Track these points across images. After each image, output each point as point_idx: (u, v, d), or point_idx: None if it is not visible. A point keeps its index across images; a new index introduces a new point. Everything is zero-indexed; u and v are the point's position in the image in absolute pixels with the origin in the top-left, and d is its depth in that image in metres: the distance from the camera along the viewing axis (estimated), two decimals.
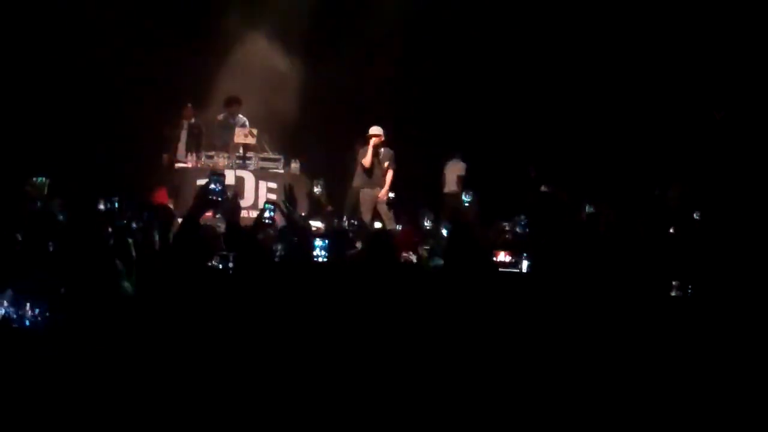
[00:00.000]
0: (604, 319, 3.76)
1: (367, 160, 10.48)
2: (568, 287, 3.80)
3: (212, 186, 4.11)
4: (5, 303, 2.35)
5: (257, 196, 10.26)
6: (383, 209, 10.32)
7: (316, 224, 8.14)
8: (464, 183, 11.51)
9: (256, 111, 10.91)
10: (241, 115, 10.76)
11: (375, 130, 10.53)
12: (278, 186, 10.40)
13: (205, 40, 11.68)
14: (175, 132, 10.71)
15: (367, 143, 10.45)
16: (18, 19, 11.12)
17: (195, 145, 10.60)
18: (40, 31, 11.13)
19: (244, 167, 10.39)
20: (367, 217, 9.96)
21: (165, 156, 10.67)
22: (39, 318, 2.46)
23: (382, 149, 10.52)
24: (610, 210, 6.53)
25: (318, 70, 11.89)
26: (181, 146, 10.65)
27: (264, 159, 10.53)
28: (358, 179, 10.55)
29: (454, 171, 12.20)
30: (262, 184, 10.33)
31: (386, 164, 10.58)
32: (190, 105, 10.81)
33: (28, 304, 2.35)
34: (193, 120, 10.79)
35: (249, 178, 10.35)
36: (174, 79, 11.53)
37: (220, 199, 4.09)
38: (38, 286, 2.57)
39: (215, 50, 11.66)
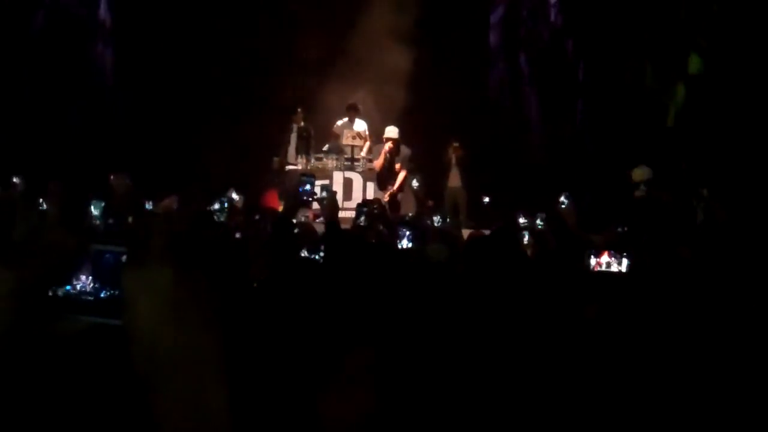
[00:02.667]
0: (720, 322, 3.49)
1: (378, 163, 10.23)
2: (674, 287, 3.56)
3: (304, 187, 4.15)
4: (83, 278, 2.43)
5: (365, 197, 10.32)
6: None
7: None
8: (651, 187, 10.91)
9: (366, 110, 11.04)
10: (359, 120, 10.88)
11: (389, 132, 10.24)
12: None
13: (315, 43, 11.93)
14: (285, 136, 10.94)
15: (383, 147, 10.20)
16: (131, 24, 11.67)
17: (305, 148, 10.79)
18: (154, 38, 11.64)
19: (352, 169, 10.50)
20: None
21: (276, 159, 10.91)
22: (114, 292, 2.54)
23: (398, 149, 10.15)
24: (721, 208, 6.09)
25: (428, 65, 11.90)
26: (291, 149, 10.86)
27: (371, 160, 10.59)
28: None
29: (641, 176, 11.61)
30: (370, 185, 10.41)
31: (398, 165, 10.18)
32: (300, 109, 11.00)
33: (98, 278, 2.43)
34: (302, 123, 10.97)
35: (357, 180, 10.45)
36: (285, 83, 11.84)
37: (310, 199, 4.13)
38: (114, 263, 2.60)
39: (324, 51, 11.91)
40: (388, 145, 10.14)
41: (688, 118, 11.04)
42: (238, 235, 4.91)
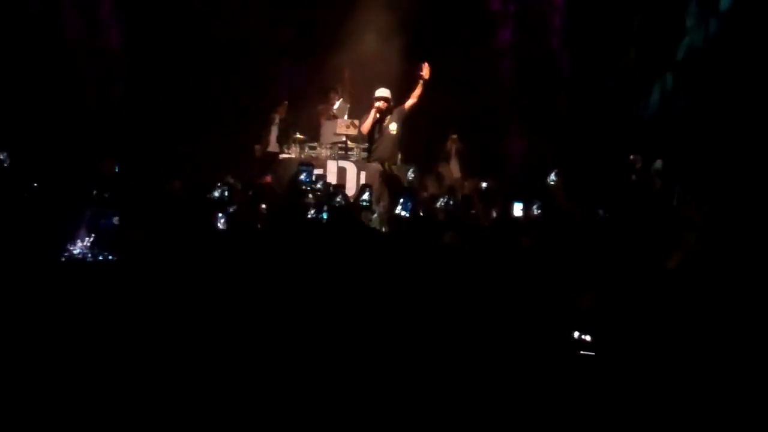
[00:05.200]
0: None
1: (366, 126, 9.38)
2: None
3: (302, 176, 4.20)
4: (80, 242, 2.55)
5: (359, 186, 10.35)
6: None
7: None
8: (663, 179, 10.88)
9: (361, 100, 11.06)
10: (338, 102, 10.95)
11: (381, 92, 9.32)
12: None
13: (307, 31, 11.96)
14: (268, 125, 11.09)
15: (372, 107, 9.32)
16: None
17: (285, 139, 10.91)
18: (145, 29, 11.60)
19: (346, 158, 10.53)
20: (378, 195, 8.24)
21: (257, 147, 11.05)
22: (109, 256, 2.70)
23: (389, 114, 9.22)
24: (705, 201, 6.10)
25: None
26: (273, 139, 11.06)
27: (366, 149, 10.60)
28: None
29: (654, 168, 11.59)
30: (364, 175, 10.43)
31: (394, 125, 9.19)
32: (287, 103, 11.12)
33: (97, 242, 2.54)
34: (284, 115, 11.13)
35: (351, 169, 10.46)
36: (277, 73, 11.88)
37: (309, 188, 4.18)
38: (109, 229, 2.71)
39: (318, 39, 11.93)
40: (379, 104, 9.27)
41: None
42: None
